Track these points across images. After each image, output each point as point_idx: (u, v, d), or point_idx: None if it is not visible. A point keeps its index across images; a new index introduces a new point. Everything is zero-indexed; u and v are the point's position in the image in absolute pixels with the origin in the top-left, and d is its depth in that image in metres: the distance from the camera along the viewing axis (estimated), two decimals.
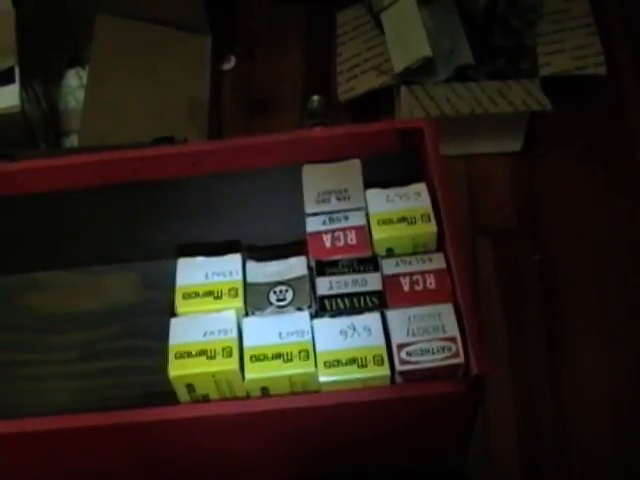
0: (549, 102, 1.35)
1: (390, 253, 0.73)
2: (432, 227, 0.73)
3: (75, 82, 1.55)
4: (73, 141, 1.48)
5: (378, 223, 0.74)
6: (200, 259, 0.73)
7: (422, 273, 0.70)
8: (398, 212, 0.74)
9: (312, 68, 1.64)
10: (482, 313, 1.33)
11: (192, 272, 0.72)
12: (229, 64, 1.66)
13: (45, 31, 1.49)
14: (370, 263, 0.72)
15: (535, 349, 1.31)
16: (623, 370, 1.28)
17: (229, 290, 0.71)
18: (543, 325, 1.32)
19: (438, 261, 0.71)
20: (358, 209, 0.75)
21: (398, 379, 0.65)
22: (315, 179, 0.76)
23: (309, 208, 0.75)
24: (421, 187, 0.76)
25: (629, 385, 1.26)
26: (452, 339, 0.66)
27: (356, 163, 0.78)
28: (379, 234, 0.73)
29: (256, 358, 0.66)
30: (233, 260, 0.73)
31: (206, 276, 0.72)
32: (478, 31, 1.43)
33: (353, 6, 1.54)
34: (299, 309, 0.70)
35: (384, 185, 0.76)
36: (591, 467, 1.20)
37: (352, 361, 0.65)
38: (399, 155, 0.79)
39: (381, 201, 0.75)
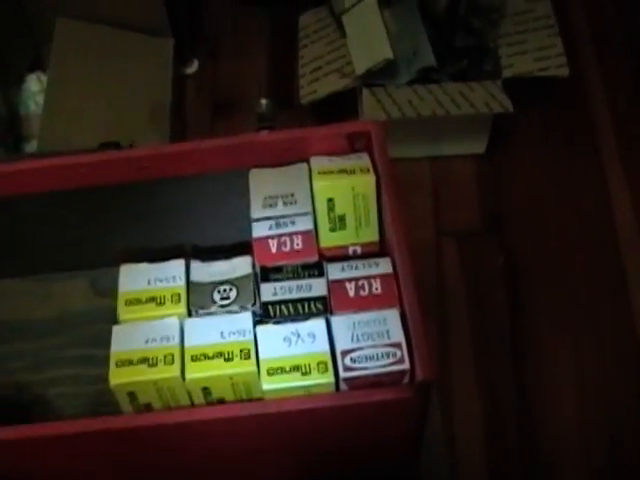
0: (511, 104, 1.35)
1: (331, 206, 0.72)
2: (371, 177, 0.71)
3: (36, 86, 1.53)
4: (34, 146, 1.46)
5: (319, 174, 0.72)
6: (143, 265, 0.71)
7: (368, 278, 0.69)
8: (338, 166, 0.73)
9: (276, 71, 1.64)
10: (447, 313, 1.33)
11: (135, 278, 0.71)
12: (192, 67, 1.65)
13: (4, 35, 1.47)
14: (315, 268, 0.70)
15: (500, 349, 1.31)
16: (589, 367, 1.28)
17: (172, 296, 0.69)
18: (508, 325, 1.33)
19: (384, 266, 0.70)
20: (305, 214, 0.73)
21: (343, 386, 0.64)
22: (262, 183, 0.74)
23: (255, 213, 0.73)
24: (363, 155, 0.74)
25: (594, 381, 1.27)
26: (397, 345, 0.64)
27: (303, 167, 0.75)
28: (319, 182, 0.72)
29: (197, 358, 0.65)
30: (176, 265, 0.71)
31: (149, 282, 0.70)
32: (440, 33, 1.42)
33: (315, 9, 1.54)
34: (243, 308, 0.68)
35: None
36: (557, 466, 1.20)
37: (296, 368, 0.64)
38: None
39: (323, 161, 0.74)
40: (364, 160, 0.74)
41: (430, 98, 1.37)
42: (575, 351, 1.29)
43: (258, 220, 0.73)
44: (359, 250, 0.74)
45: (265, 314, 0.68)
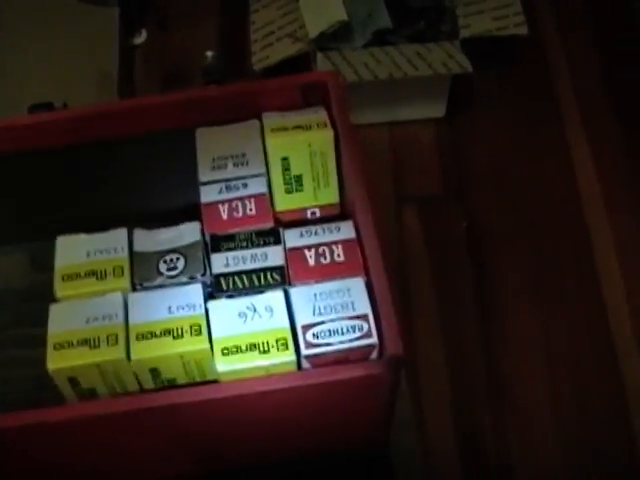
0: (470, 64, 1.31)
1: (286, 165, 0.67)
2: (329, 132, 0.67)
3: None
4: None
5: (272, 131, 0.67)
6: (82, 236, 0.66)
7: (329, 244, 0.64)
8: (293, 121, 0.68)
9: (227, 38, 1.59)
10: (410, 281, 1.30)
11: (73, 251, 0.65)
12: (140, 38, 1.59)
13: None
14: (271, 235, 0.65)
15: (466, 316, 1.28)
16: (556, 331, 1.26)
17: (114, 269, 0.63)
18: (472, 291, 1.30)
19: (347, 230, 0.65)
20: (258, 175, 0.68)
21: (305, 364, 0.59)
22: (210, 143, 0.69)
23: (203, 176, 0.67)
24: (320, 109, 0.69)
25: (562, 346, 1.24)
26: (363, 317, 0.59)
27: (254, 124, 0.70)
28: (272, 140, 0.67)
29: (143, 337, 0.59)
30: (118, 234, 0.65)
31: (88, 254, 0.64)
32: None
33: None
34: (192, 278, 0.63)
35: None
36: (529, 445, 1.18)
37: (253, 347, 0.59)
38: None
39: (276, 117, 0.69)
40: (321, 114, 0.69)
41: (387, 60, 1.33)
42: (542, 315, 1.27)
43: (206, 184, 0.67)
44: (318, 213, 0.70)
45: (217, 287, 0.63)
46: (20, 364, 0.73)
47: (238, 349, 0.59)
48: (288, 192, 0.69)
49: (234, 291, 0.62)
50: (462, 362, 1.24)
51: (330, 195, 0.70)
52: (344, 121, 0.67)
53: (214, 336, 0.60)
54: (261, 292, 0.62)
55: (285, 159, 0.68)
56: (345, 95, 0.69)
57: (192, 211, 0.68)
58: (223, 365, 0.59)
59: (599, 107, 1.47)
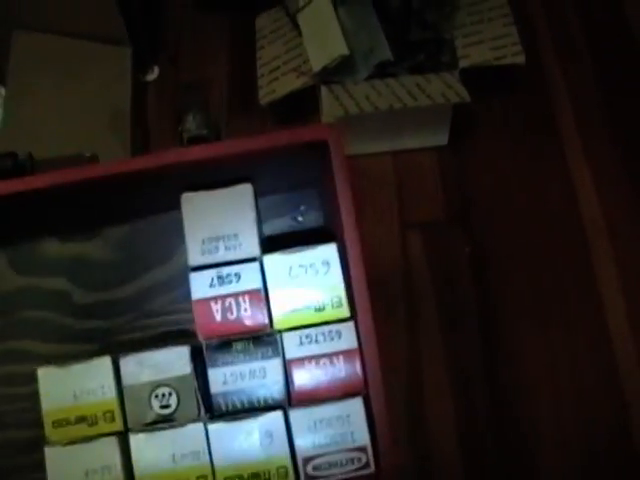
0: (467, 93, 1.35)
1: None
2: (344, 313, 0.63)
3: None
4: None
5: (283, 317, 0.63)
6: (63, 370, 0.62)
7: (330, 356, 0.61)
8: (304, 296, 0.63)
9: (237, 74, 1.64)
10: (414, 306, 1.33)
11: (58, 389, 0.62)
12: (153, 74, 1.65)
13: None
14: (269, 345, 0.62)
15: (470, 343, 1.30)
16: (559, 354, 1.28)
17: (104, 414, 0.61)
18: (477, 317, 1.32)
19: (348, 336, 0.62)
20: (252, 259, 0.64)
21: None
22: (198, 216, 0.65)
23: (193, 260, 0.64)
24: (330, 250, 0.64)
25: (567, 371, 1.26)
26: (362, 449, 0.60)
27: (247, 190, 0.66)
28: (281, 325, 0.63)
29: None
30: (103, 366, 0.62)
31: (74, 396, 0.62)
32: (395, 27, 1.42)
33: (271, 10, 1.54)
34: (188, 420, 0.61)
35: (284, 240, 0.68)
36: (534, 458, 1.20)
37: (255, 476, 0.59)
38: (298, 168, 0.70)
39: (283, 276, 0.63)
40: (334, 272, 0.65)
41: (387, 92, 1.37)
42: (545, 339, 1.29)
43: (196, 269, 0.64)
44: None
45: (216, 409, 0.61)
46: (10, 381, 0.75)
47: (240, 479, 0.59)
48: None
49: (233, 413, 0.61)
50: (466, 386, 1.26)
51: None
52: (345, 190, 0.65)
53: (215, 465, 0.60)
54: (260, 414, 0.61)
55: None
56: (344, 153, 0.66)
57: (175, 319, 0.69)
58: None
59: (600, 134, 1.50)
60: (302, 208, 0.78)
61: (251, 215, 0.65)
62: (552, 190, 1.44)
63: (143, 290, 0.76)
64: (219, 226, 0.65)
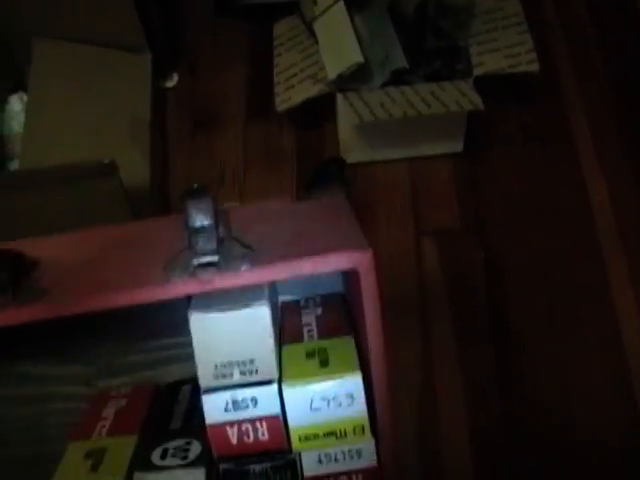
0: (481, 101, 1.36)
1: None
2: (366, 438, 0.60)
3: (18, 107, 1.55)
4: (17, 165, 1.48)
5: (300, 439, 0.60)
6: None
7: (349, 474, 0.59)
8: (325, 425, 0.59)
9: (255, 82, 1.66)
10: (428, 312, 1.34)
11: None
12: (172, 81, 1.67)
13: None
14: (287, 468, 0.58)
15: (484, 345, 1.31)
16: (573, 363, 1.28)
17: None
18: (491, 323, 1.33)
19: (368, 455, 0.59)
20: (269, 382, 0.59)
21: None
22: (210, 339, 0.58)
23: (205, 382, 0.59)
24: (355, 383, 0.59)
25: (579, 379, 1.27)
26: None
27: (263, 312, 0.59)
28: (300, 447, 0.60)
29: None
30: None
31: None
32: (410, 35, 1.43)
33: (288, 17, 1.55)
34: None
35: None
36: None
37: None
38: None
39: (303, 408, 0.59)
40: (357, 401, 0.60)
41: (402, 99, 1.38)
42: (558, 345, 1.30)
43: (209, 391, 0.59)
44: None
45: None
46: None
47: None
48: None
49: None
50: (478, 393, 1.27)
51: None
52: (375, 319, 0.58)
53: None
54: None
55: None
56: (377, 280, 0.59)
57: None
58: None
59: (615, 142, 1.51)
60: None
61: (269, 341, 0.59)
62: (566, 198, 1.45)
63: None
64: (233, 351, 0.59)
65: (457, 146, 1.50)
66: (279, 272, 0.54)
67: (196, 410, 0.61)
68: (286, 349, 0.63)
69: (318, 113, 1.54)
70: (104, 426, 0.64)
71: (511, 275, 1.37)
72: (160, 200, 1.49)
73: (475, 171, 1.50)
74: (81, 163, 1.25)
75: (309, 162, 1.51)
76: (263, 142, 1.57)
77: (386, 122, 1.39)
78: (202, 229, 0.52)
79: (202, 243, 0.52)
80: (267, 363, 0.59)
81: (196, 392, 0.61)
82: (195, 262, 0.52)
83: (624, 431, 1.22)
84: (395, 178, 1.50)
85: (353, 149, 1.48)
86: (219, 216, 0.52)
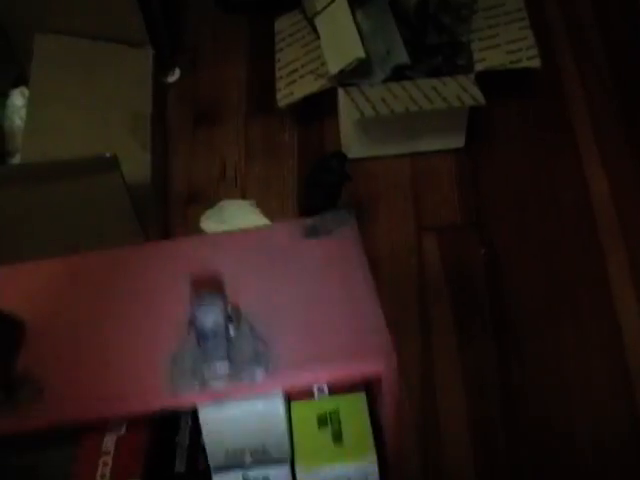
0: (483, 96, 1.36)
1: None
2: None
3: (20, 101, 1.55)
4: (18, 160, 1.49)
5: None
6: None
7: None
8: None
9: (256, 77, 1.66)
10: (429, 307, 1.34)
11: None
12: (174, 76, 1.67)
13: None
14: None
15: (484, 339, 1.31)
16: (571, 354, 1.29)
17: None
18: (491, 317, 1.33)
19: None
20: (281, 461, 0.57)
21: None
22: (220, 427, 0.56)
23: (216, 463, 0.57)
24: (370, 469, 0.58)
25: (577, 370, 1.27)
26: None
27: (277, 406, 0.56)
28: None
29: None
30: None
31: None
32: (412, 31, 1.43)
33: (290, 13, 1.55)
34: None
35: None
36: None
37: None
38: None
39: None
40: None
41: (403, 95, 1.38)
42: (558, 339, 1.30)
43: (220, 470, 0.57)
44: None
45: None
46: None
47: None
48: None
49: None
50: (479, 386, 1.27)
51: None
52: (396, 428, 0.57)
53: None
54: None
55: None
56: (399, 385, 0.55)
57: None
58: None
59: (616, 138, 1.51)
60: None
61: (282, 428, 0.57)
62: (567, 193, 1.45)
63: None
64: (245, 440, 0.57)
65: (459, 141, 1.50)
66: (296, 381, 0.52)
67: (198, 449, 0.60)
68: (296, 411, 0.60)
69: (319, 108, 1.55)
70: (107, 463, 0.62)
71: (511, 270, 1.38)
72: (161, 194, 1.49)
73: (476, 166, 1.50)
74: (82, 157, 1.25)
75: (310, 157, 1.51)
76: (264, 137, 1.57)
77: (387, 117, 1.39)
78: (212, 334, 0.50)
79: (211, 347, 0.49)
80: (279, 445, 0.57)
81: (195, 424, 0.59)
82: (206, 372, 0.50)
83: (624, 431, 1.22)
84: (396, 173, 1.50)
85: (354, 144, 1.48)
86: (231, 316, 0.50)
